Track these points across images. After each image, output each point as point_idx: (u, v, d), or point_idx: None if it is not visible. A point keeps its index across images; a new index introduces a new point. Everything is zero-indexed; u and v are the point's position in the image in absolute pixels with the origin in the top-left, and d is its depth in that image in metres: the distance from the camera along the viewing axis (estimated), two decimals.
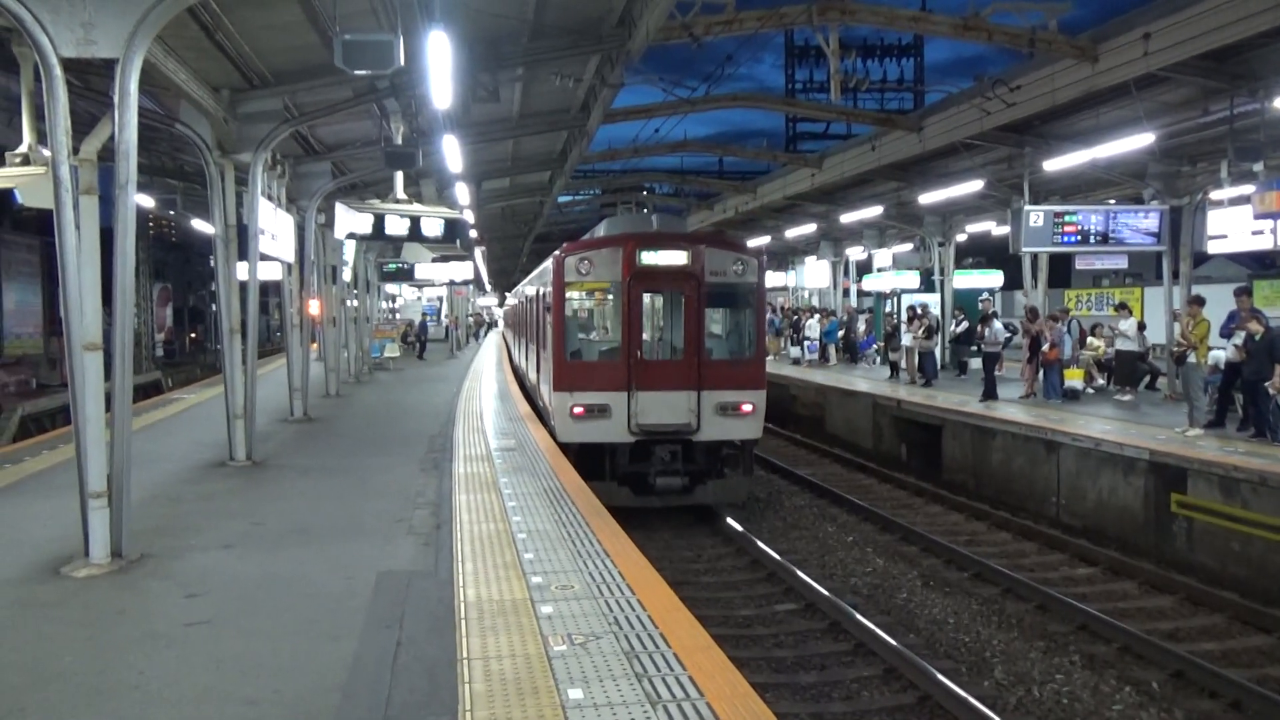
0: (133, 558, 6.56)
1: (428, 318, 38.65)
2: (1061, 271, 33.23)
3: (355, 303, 23.61)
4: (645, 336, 13.35)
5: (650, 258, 12.85)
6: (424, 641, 5.09)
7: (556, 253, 13.55)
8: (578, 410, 12.62)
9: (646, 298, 13.39)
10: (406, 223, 15.28)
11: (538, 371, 16.00)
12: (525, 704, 4.28)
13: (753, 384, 13.06)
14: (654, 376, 12.73)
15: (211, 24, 9.18)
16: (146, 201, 20.18)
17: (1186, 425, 12.88)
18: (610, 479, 12.60)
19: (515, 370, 24.83)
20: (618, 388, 12.62)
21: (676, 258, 12.92)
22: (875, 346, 26.42)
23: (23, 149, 8.91)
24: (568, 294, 13.12)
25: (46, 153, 6.77)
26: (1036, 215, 16.76)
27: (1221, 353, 13.40)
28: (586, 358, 13.56)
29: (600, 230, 14.86)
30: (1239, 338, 12.48)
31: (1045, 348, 16.43)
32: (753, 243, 34.43)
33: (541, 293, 15.50)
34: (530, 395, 17.77)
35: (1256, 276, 24.92)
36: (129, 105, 6.36)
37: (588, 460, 12.30)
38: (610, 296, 13.24)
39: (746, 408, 12.85)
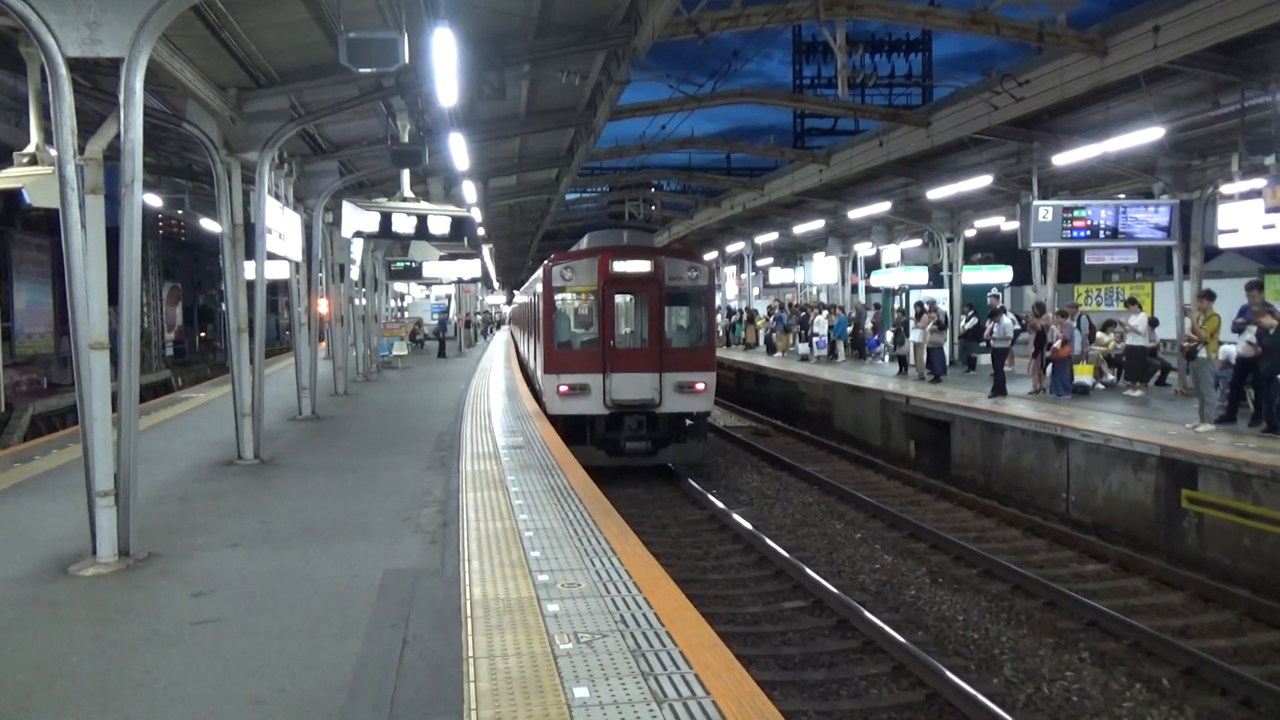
0: (140, 556, 6.57)
1: (447, 315, 38.41)
2: (1071, 266, 33.09)
3: (363, 301, 23.63)
4: (618, 329, 15.82)
5: (621, 266, 15.58)
6: (430, 640, 5.09)
7: (546, 262, 16.47)
8: (563, 389, 15.31)
9: (618, 298, 15.91)
10: (413, 221, 15.25)
11: (534, 359, 18.99)
12: (530, 702, 4.27)
13: (704, 367, 15.76)
14: (624, 361, 15.37)
15: (217, 23, 9.19)
16: (154, 201, 20.24)
17: (1197, 421, 12.80)
18: (589, 444, 15.16)
19: (519, 359, 27.70)
20: (595, 370, 15.31)
21: (642, 266, 15.64)
22: (883, 345, 26.33)
23: (30, 149, 8.96)
24: (555, 296, 15.89)
25: (53, 152, 6.77)
26: (1046, 210, 16.67)
27: (1232, 348, 13.31)
28: (570, 347, 16.01)
29: (583, 243, 17.74)
30: (1250, 333, 12.39)
31: (1057, 345, 16.33)
32: (763, 239, 34.52)
33: (535, 294, 18.69)
34: (529, 379, 20.66)
35: (1268, 271, 24.73)
36: (134, 104, 6.36)
37: (571, 429, 14.81)
38: (589, 297, 15.84)
39: (700, 386, 15.52)
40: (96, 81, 9.58)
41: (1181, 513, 11.14)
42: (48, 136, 8.74)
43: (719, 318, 39.82)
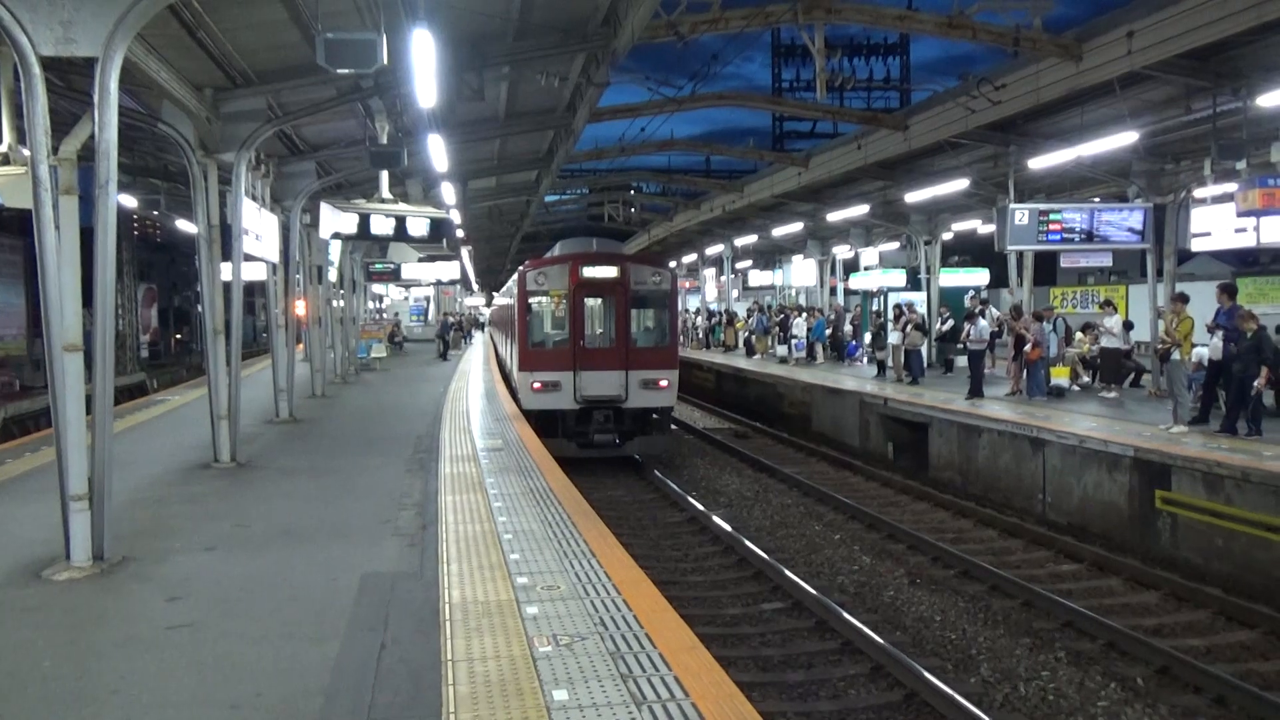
0: (114, 561, 6.51)
1: (449, 316, 37.57)
2: (1047, 269, 33.31)
3: (341, 303, 23.50)
4: (587, 330, 16.83)
5: (590, 271, 16.70)
6: (408, 644, 5.07)
7: (521, 268, 17.59)
8: (536, 385, 16.31)
9: (588, 301, 16.96)
10: (392, 222, 15.19)
11: (510, 358, 20.34)
12: (510, 706, 4.27)
13: (667, 365, 16.83)
14: (593, 359, 16.40)
15: (193, 22, 9.12)
16: (129, 201, 20.04)
17: (1171, 422, 12.94)
18: (561, 436, 16.05)
19: (498, 359, 28.75)
20: (566, 368, 16.30)
21: (609, 272, 16.78)
22: (861, 350, 26.49)
23: (2, 148, 8.82)
24: (529, 299, 16.90)
25: (26, 152, 6.70)
26: (1022, 213, 16.81)
27: (1205, 349, 13.45)
28: (544, 346, 16.94)
29: (555, 250, 18.75)
30: (1219, 336, 12.55)
31: (1027, 347, 16.49)
32: (742, 241, 34.63)
33: (511, 297, 19.94)
34: (507, 378, 21.90)
35: (1239, 274, 25.04)
36: (109, 104, 6.31)
37: (544, 423, 15.74)
38: (561, 301, 16.83)
39: (663, 383, 16.60)
40: (71, 81, 9.47)
41: (1155, 513, 11.26)
42: (21, 136, 8.61)
43: (699, 320, 40.02)
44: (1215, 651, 8.43)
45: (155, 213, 23.80)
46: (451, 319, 36.28)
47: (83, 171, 6.97)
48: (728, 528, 12.38)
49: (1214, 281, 16.31)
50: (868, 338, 24.63)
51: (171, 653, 4.99)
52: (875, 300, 26.19)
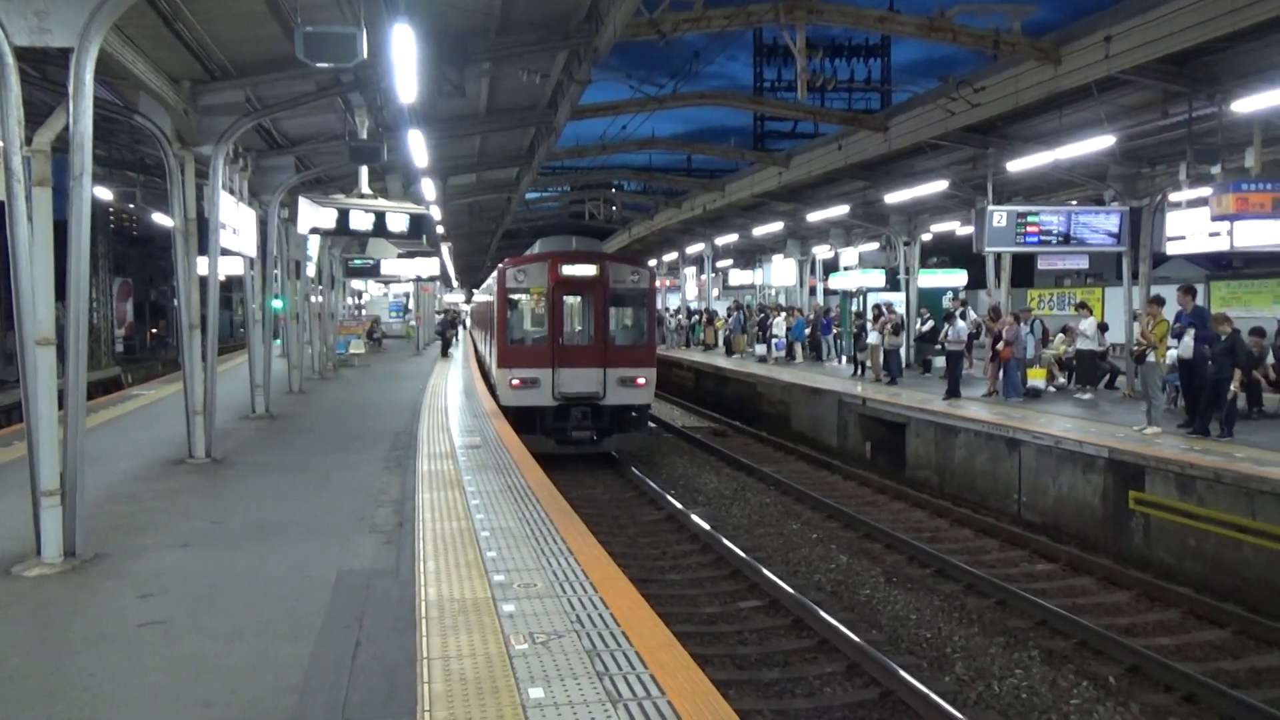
0: (86, 557, 6.43)
1: (451, 313, 36.81)
2: (1024, 271, 33.63)
3: (319, 298, 23.35)
4: (566, 328, 16.93)
5: (569, 270, 16.81)
6: (383, 641, 5.04)
7: (500, 265, 17.76)
8: (515, 382, 16.42)
9: (567, 299, 17.07)
10: (371, 218, 15.12)
11: (489, 355, 20.48)
12: (485, 704, 4.25)
13: (645, 363, 17.05)
14: (572, 357, 16.53)
15: (170, 14, 9.01)
16: (105, 194, 19.84)
17: (1145, 423, 13.06)
18: (539, 433, 16.20)
19: (477, 355, 29.07)
20: (545, 365, 16.43)
21: (588, 270, 16.90)
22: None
23: None
24: (508, 297, 17.02)
25: None
26: (1000, 215, 16.93)
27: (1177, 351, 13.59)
28: (523, 343, 17.04)
29: (535, 248, 18.93)
30: (1189, 336, 12.70)
31: (999, 345, 16.60)
32: (723, 240, 34.66)
33: (491, 295, 20.21)
34: (486, 375, 22.12)
35: (1213, 277, 25.36)
36: (84, 95, 6.24)
37: (523, 419, 15.79)
38: (540, 298, 16.92)
39: (641, 381, 16.77)
40: (45, 71, 9.36)
41: (1129, 513, 11.37)
42: None
43: (680, 318, 40.05)
44: (1185, 650, 8.52)
45: (131, 206, 23.58)
46: (449, 315, 35.83)
47: (57, 163, 6.88)
48: (706, 526, 12.40)
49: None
50: (849, 339, 24.75)
51: (144, 650, 4.95)
52: (855, 300, 26.31)
